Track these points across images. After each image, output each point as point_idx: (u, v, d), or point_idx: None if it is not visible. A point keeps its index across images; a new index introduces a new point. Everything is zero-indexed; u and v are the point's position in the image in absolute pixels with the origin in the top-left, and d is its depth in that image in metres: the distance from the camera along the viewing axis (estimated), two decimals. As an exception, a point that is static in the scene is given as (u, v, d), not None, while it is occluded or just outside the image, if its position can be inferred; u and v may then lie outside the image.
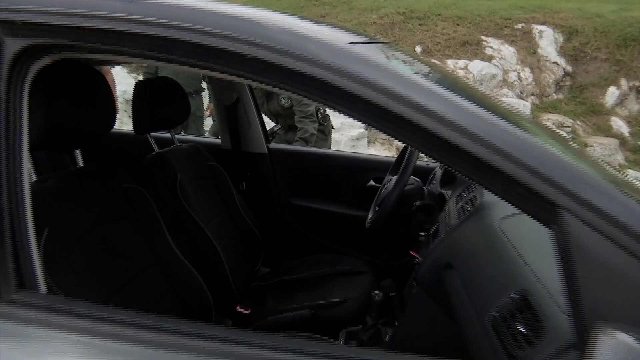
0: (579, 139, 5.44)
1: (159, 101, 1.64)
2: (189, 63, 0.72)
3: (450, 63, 6.07)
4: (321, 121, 3.16)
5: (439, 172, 1.95)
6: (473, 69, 6.02)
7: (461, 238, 1.19)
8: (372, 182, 2.20)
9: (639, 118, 6.15)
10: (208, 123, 5.27)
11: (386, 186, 1.74)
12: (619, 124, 6.05)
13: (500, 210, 1.17)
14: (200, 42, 0.70)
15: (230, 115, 2.16)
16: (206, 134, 4.18)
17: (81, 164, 1.46)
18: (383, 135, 5.67)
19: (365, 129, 5.38)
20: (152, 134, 1.72)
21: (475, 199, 1.29)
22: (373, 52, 0.79)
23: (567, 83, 6.50)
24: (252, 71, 0.69)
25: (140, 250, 1.31)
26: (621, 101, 6.31)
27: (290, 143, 3.02)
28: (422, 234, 1.59)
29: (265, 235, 2.05)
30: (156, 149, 1.71)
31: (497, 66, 6.18)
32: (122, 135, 2.16)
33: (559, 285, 0.69)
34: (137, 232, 1.31)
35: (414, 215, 1.66)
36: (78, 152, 1.45)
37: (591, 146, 5.39)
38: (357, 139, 5.22)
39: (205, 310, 1.43)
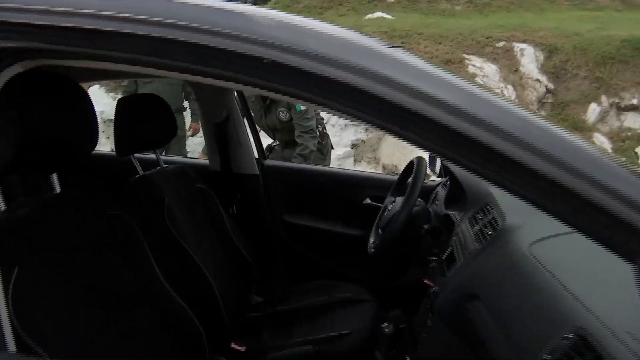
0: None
1: (144, 119, 1.51)
2: (193, 70, 0.60)
3: (434, 81, 6.06)
4: (320, 139, 3.02)
5: (441, 191, 1.85)
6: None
7: (485, 265, 1.09)
8: (368, 200, 2.11)
9: (620, 134, 6.22)
10: (190, 143, 5.13)
11: (389, 208, 1.63)
12: (601, 140, 6.10)
13: (528, 234, 1.07)
14: (207, 44, 0.58)
15: (220, 134, 2.03)
16: (201, 154, 4.01)
17: (58, 189, 1.31)
18: (369, 154, 5.60)
19: (352, 148, 5.30)
20: (135, 155, 1.58)
21: (495, 221, 1.19)
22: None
23: (550, 100, 6.56)
24: (271, 78, 0.57)
25: (125, 283, 1.17)
26: (602, 117, 6.39)
27: (287, 160, 2.89)
28: (431, 259, 1.48)
29: (257, 261, 1.92)
30: (140, 172, 1.57)
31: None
32: (103, 157, 2.01)
33: (622, 322, 0.58)
34: (121, 263, 1.17)
35: (422, 239, 1.55)
36: (54, 176, 1.30)
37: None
38: (344, 157, 5.14)
39: (199, 349, 1.28)
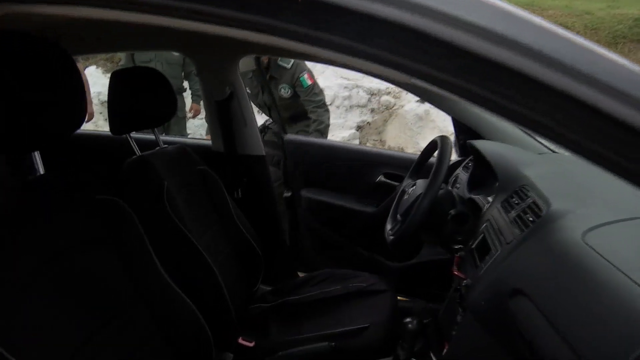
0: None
1: (140, 94, 1.36)
2: None
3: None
4: None
5: (462, 174, 1.72)
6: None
7: (530, 257, 0.95)
8: (382, 178, 2.06)
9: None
10: (191, 126, 4.98)
11: (409, 192, 1.49)
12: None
13: (579, 221, 0.93)
14: None
15: (223, 112, 1.89)
16: (206, 136, 3.89)
17: (41, 170, 1.17)
18: (375, 136, 5.44)
19: (357, 130, 5.15)
20: (132, 134, 1.44)
21: (536, 207, 1.05)
22: None
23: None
24: None
25: (119, 281, 1.04)
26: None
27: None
28: (457, 247, 1.35)
29: (264, 248, 1.79)
30: (137, 152, 1.44)
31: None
32: (96, 137, 1.87)
33: None
34: (115, 258, 1.03)
35: (445, 225, 1.41)
36: (37, 156, 1.15)
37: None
38: (349, 139, 4.99)
39: (204, 348, 1.16)
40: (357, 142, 5.08)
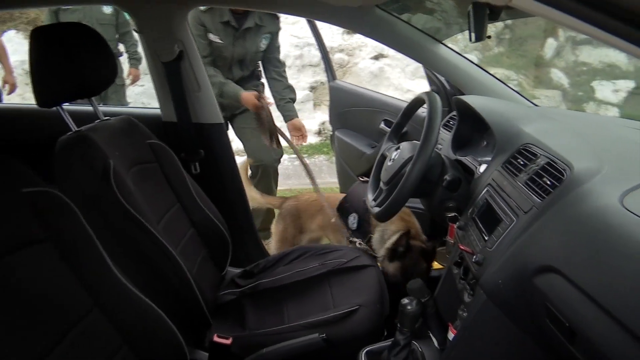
0: (527, 92, 5.35)
1: (73, 57, 1.11)
2: None
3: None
4: None
5: (445, 133, 1.58)
6: (417, 22, 5.70)
7: (558, 228, 0.82)
8: (382, 125, 2.24)
9: (576, 69, 6.18)
10: (131, 94, 4.58)
11: (393, 157, 1.33)
12: (558, 76, 6.06)
13: (612, 183, 0.81)
14: None
15: (172, 76, 1.63)
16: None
17: None
18: (327, 97, 5.25)
19: (310, 91, 4.93)
20: (64, 106, 1.18)
21: (553, 168, 0.92)
22: None
23: (507, 36, 6.39)
24: None
25: (66, 287, 0.83)
26: (558, 52, 6.32)
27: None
28: (450, 215, 1.22)
29: (229, 227, 1.60)
30: (73, 127, 1.18)
31: (440, 19, 5.90)
32: (19, 112, 1.57)
33: None
34: (56, 260, 0.82)
35: (435, 192, 1.27)
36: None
37: (538, 98, 5.33)
38: (302, 102, 4.78)
39: (174, 350, 0.98)
40: (311, 103, 4.88)
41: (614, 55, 5.94)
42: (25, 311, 0.74)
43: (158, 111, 1.79)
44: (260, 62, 2.47)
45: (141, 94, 4.86)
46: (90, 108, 1.31)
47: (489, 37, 1.39)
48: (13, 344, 0.70)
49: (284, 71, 2.50)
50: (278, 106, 2.45)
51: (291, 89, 2.48)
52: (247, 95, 2.20)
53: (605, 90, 5.65)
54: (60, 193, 0.85)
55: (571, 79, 6.07)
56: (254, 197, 2.02)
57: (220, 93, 2.21)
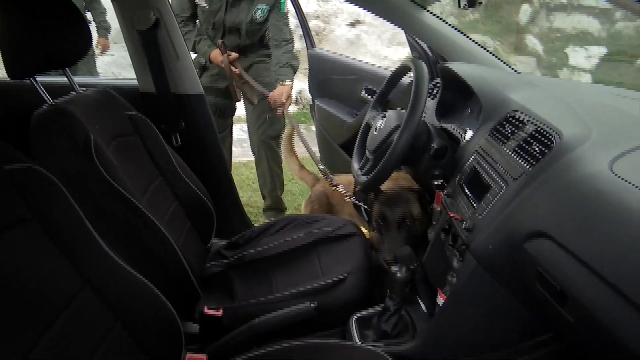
0: (504, 58, 5.37)
1: (44, 25, 1.05)
2: None
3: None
4: None
5: (429, 101, 1.58)
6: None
7: (549, 194, 0.84)
8: (364, 93, 2.23)
9: (550, 35, 6.22)
10: (100, 64, 4.42)
11: (379, 125, 1.33)
12: (533, 42, 6.09)
13: (601, 149, 0.82)
14: None
15: (149, 44, 1.57)
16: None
17: None
18: (305, 64, 5.15)
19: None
20: (37, 77, 1.13)
21: (541, 135, 0.93)
22: None
23: (482, 1, 6.37)
24: None
25: (55, 266, 0.81)
26: (533, 19, 6.33)
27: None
28: (437, 182, 1.23)
29: (213, 198, 1.59)
30: (49, 101, 1.14)
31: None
32: None
33: None
34: (44, 239, 0.80)
35: (421, 160, 1.28)
36: None
37: (514, 64, 5.36)
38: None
39: (168, 324, 0.98)
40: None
41: (587, 22, 5.99)
42: (15, 294, 0.72)
43: (135, 82, 1.72)
44: (266, 32, 2.37)
45: (110, 64, 4.70)
46: (64, 79, 1.26)
47: (481, 3, 1.37)
48: (7, 327, 0.69)
49: (286, 40, 2.32)
50: (274, 72, 2.30)
51: (291, 56, 2.31)
52: (215, 54, 2.24)
53: (578, 56, 5.71)
54: (40, 168, 0.82)
55: (545, 46, 6.12)
56: (293, 167, 2.03)
57: (193, 48, 2.26)
